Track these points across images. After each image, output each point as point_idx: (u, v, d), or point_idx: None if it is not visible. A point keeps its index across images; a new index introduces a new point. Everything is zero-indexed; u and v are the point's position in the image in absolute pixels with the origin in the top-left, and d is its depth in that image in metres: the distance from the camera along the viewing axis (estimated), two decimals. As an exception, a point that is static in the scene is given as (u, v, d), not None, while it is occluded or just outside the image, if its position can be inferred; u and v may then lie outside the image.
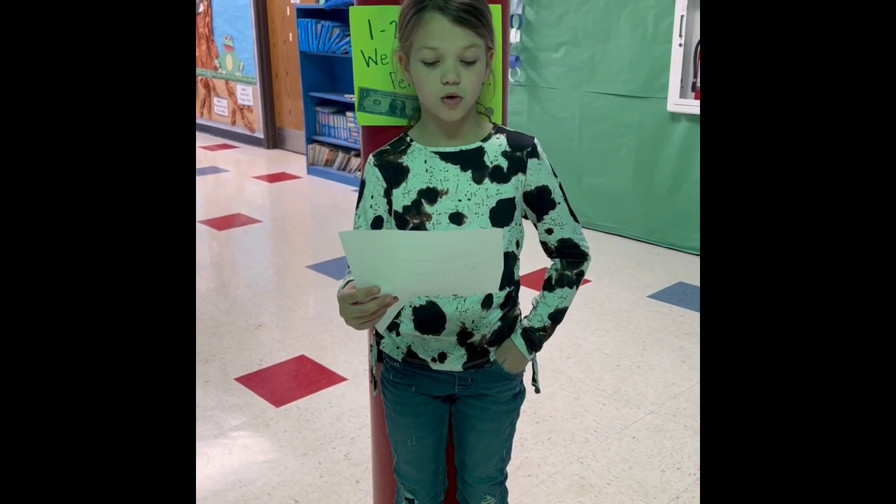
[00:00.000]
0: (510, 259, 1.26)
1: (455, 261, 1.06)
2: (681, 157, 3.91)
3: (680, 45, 3.75)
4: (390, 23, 1.32)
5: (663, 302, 3.41)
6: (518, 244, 1.28)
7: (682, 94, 3.83)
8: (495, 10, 1.23)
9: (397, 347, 1.34)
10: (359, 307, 1.07)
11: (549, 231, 1.29)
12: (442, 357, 1.30)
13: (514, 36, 4.37)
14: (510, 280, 1.29)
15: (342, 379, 2.73)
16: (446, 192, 1.22)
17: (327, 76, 5.81)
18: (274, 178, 5.82)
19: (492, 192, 1.22)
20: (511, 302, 1.32)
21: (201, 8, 6.94)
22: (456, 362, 1.30)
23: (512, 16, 4.33)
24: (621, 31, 3.98)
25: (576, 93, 4.26)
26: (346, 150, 5.71)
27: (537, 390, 1.43)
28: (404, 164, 1.25)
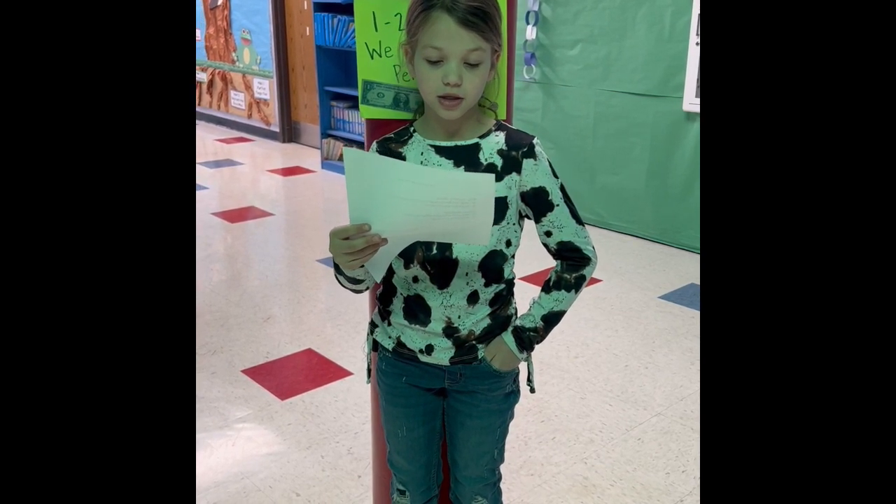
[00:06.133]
0: (499, 257, 1.24)
1: (447, 206, 1.06)
2: (695, 158, 3.87)
3: (696, 44, 3.72)
4: (395, 15, 1.31)
5: (674, 303, 3.38)
6: (509, 243, 1.25)
7: (698, 94, 3.79)
8: (501, 3, 1.21)
9: (389, 337, 1.34)
10: (347, 242, 1.09)
11: (548, 233, 1.27)
12: (429, 349, 1.30)
13: (530, 33, 4.34)
14: (499, 278, 1.27)
15: (348, 373, 2.73)
16: None
17: (343, 71, 5.81)
18: (288, 171, 5.83)
19: None
20: (501, 300, 1.31)
21: (220, 1, 6.96)
22: (443, 356, 1.30)
23: (528, 12, 4.30)
24: (637, 29, 3.95)
25: (591, 91, 4.23)
26: (361, 144, 5.69)
27: (532, 390, 1.42)
28: (403, 153, 1.25)
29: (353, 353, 2.89)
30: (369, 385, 1.49)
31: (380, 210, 1.08)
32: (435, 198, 1.05)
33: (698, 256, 3.95)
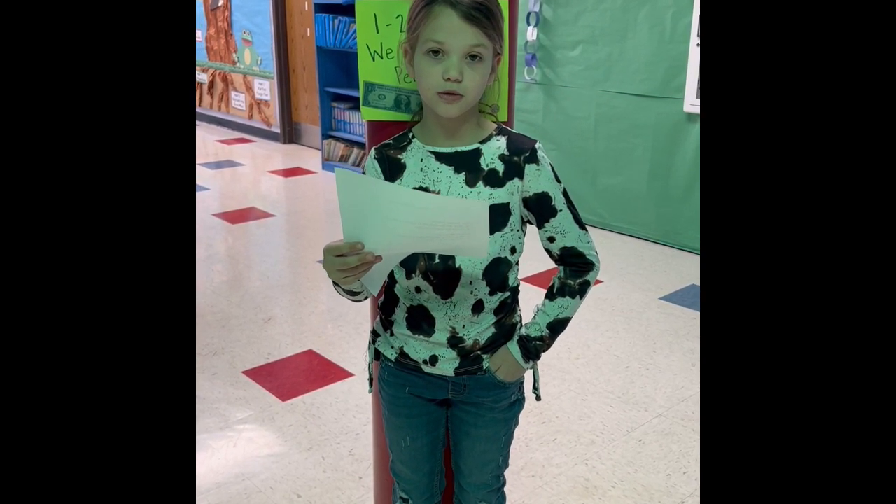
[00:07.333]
0: (503, 265, 1.23)
1: (440, 228, 1.06)
2: (697, 159, 3.87)
3: (697, 45, 3.71)
4: (396, 17, 1.31)
5: (675, 304, 3.38)
6: (513, 250, 1.23)
7: (699, 95, 3.79)
8: (503, 3, 1.21)
9: (391, 347, 1.32)
10: (341, 259, 1.09)
11: (552, 239, 1.25)
12: (433, 360, 1.28)
13: (531, 34, 4.34)
14: (504, 286, 1.26)
15: (349, 374, 2.73)
16: (438, 193, 1.20)
17: (344, 72, 5.82)
18: (289, 172, 5.84)
19: (484, 196, 1.19)
20: (507, 308, 1.29)
21: (221, 2, 6.97)
22: (447, 366, 1.28)
23: (529, 13, 4.30)
24: (639, 30, 3.95)
25: (592, 92, 4.23)
26: (361, 145, 5.71)
27: (538, 398, 1.41)
28: (402, 160, 1.23)
29: (354, 354, 2.89)
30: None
31: (373, 229, 1.07)
32: (428, 220, 1.05)
33: (699, 258, 3.95)
